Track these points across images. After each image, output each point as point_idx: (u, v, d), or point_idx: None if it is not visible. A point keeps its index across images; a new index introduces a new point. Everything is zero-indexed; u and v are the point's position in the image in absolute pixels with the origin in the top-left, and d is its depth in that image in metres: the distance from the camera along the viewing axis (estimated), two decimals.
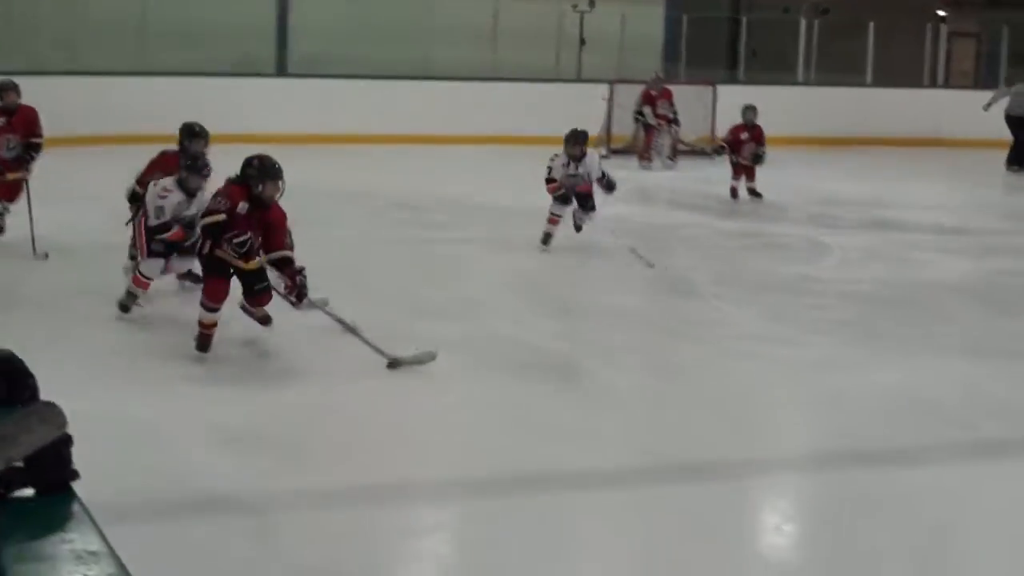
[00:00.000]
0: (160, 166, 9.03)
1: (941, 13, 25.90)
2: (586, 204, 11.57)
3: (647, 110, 19.14)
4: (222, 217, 7.48)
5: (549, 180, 11.52)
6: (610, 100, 20.04)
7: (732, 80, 23.26)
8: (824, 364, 8.23)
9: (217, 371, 7.41)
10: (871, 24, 23.44)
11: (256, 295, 7.79)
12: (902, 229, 13.72)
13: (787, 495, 6.29)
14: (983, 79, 26.16)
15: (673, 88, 19.59)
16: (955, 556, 5.44)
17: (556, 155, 11.55)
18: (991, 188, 17.75)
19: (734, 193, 15.28)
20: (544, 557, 5.20)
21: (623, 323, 9.23)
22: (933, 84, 24.87)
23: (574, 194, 11.51)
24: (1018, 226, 14.36)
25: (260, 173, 7.58)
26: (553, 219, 11.56)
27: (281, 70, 20.84)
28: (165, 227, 8.38)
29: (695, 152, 19.46)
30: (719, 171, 15.81)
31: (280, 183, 7.58)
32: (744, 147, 15.18)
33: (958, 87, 25.35)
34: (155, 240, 8.42)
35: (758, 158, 15.16)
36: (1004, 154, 19.70)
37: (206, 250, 7.64)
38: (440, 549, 5.38)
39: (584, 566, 5.24)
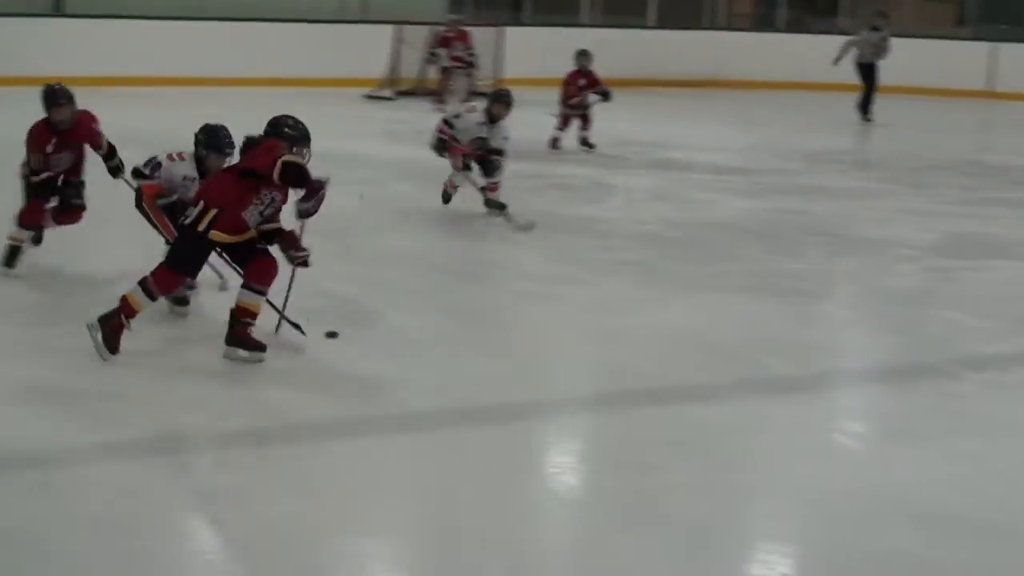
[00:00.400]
0: (33, 142, 8.06)
1: None
2: (490, 167, 10.67)
3: (442, 52, 19.00)
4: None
5: (448, 123, 10.75)
6: (396, 41, 19.90)
7: (517, 22, 23.32)
8: (611, 304, 8.31)
9: None
10: None
11: (266, 271, 6.83)
12: (686, 170, 13.95)
13: (579, 435, 6.33)
14: (761, 21, 26.73)
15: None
16: (748, 489, 5.53)
17: (473, 108, 10.89)
18: (772, 128, 18.12)
19: (555, 143, 14.90)
20: (337, 504, 5.16)
21: (411, 266, 9.18)
22: (713, 26, 25.28)
23: (478, 160, 10.70)
24: (798, 166, 14.66)
25: (301, 135, 6.87)
26: (452, 184, 10.89)
27: (58, 9, 20.16)
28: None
29: (486, 95, 19.44)
30: (517, 112, 15.73)
31: (308, 150, 6.90)
32: (581, 94, 14.89)
33: (737, 29, 25.80)
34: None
35: (607, 94, 14.83)
36: (786, 95, 20.14)
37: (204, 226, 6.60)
38: (230, 501, 5.27)
39: (378, 512, 5.19)
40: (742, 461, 5.83)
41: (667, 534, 4.99)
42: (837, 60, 19.19)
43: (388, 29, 20.00)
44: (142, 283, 6.66)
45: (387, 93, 19.60)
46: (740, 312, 8.19)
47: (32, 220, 8.22)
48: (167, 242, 7.29)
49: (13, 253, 8.26)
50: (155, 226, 7.50)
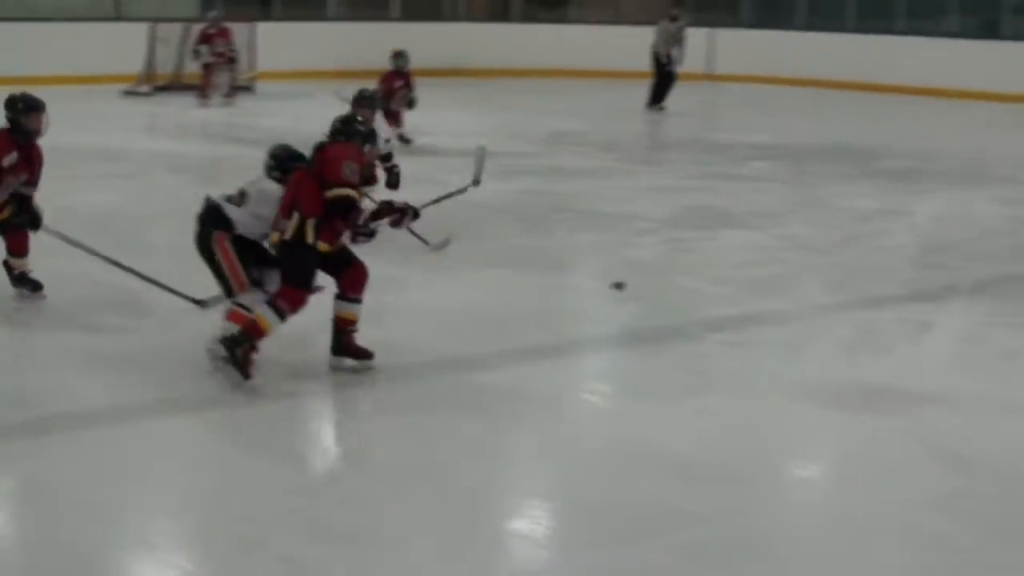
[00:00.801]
0: None
1: None
2: (393, 179, 9.62)
3: (203, 48, 18.70)
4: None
5: None
6: (151, 38, 19.55)
7: (268, 17, 23.09)
8: (377, 285, 8.25)
9: None
10: None
11: (357, 278, 6.46)
12: (438, 154, 14.03)
13: (355, 408, 6.36)
14: (497, 13, 27.07)
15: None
16: (512, 451, 5.70)
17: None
18: (513, 113, 18.38)
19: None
20: (116, 483, 5.12)
21: (177, 256, 9.00)
22: (453, 18, 25.43)
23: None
24: (540, 148, 14.92)
25: (369, 132, 6.52)
26: None
27: None
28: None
29: (246, 88, 19.30)
30: (276, 104, 15.61)
31: (372, 146, 6.51)
32: (398, 94, 14.58)
33: (476, 20, 26.02)
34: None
35: (412, 102, 14.59)
36: (523, 82, 20.35)
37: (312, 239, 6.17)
38: (14, 485, 5.20)
39: (160, 489, 5.16)
40: (507, 425, 5.95)
41: (440, 497, 5.08)
42: (669, 59, 19.30)
43: (143, 27, 19.61)
44: (272, 305, 6.21)
45: (144, 89, 19.25)
46: (498, 286, 8.33)
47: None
48: (227, 291, 6.55)
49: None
50: (219, 271, 6.55)
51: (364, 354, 6.51)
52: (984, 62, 22.68)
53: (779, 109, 20.45)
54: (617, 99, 19.56)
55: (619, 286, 7.81)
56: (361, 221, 6.41)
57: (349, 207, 6.18)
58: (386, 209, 6.68)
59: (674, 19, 19.61)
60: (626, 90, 19.64)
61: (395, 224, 6.74)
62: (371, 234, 6.56)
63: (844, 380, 6.68)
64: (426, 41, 22.39)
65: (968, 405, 6.34)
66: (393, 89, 14.62)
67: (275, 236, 6.31)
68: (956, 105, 21.52)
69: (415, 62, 21.36)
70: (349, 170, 6.19)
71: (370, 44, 21.92)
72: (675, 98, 19.88)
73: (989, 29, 24.64)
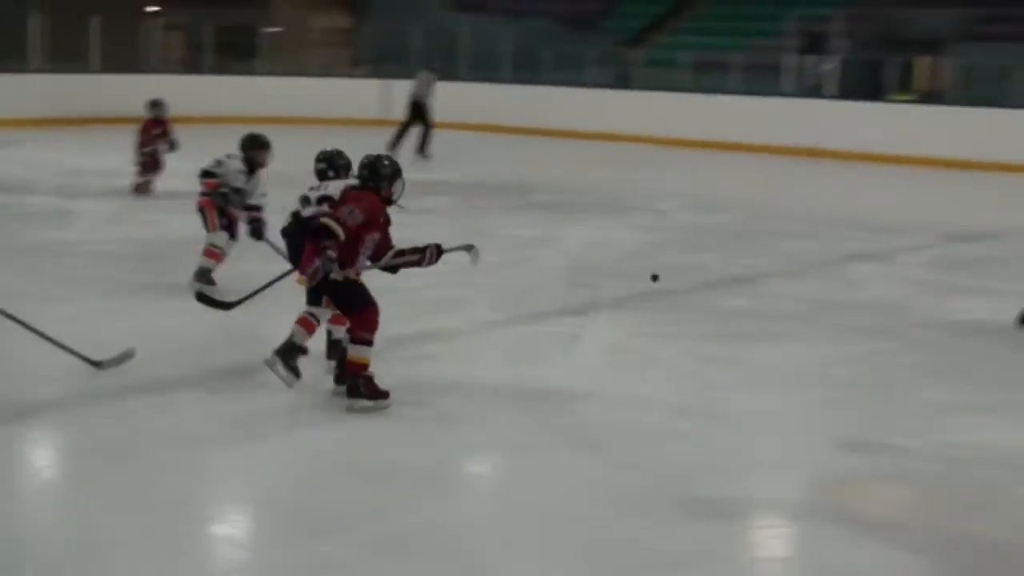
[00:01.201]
0: None
1: (153, 8, 26.09)
2: (256, 230, 8.98)
3: None
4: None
5: (210, 174, 9.03)
6: None
7: None
8: (86, 317, 8.08)
9: None
10: (94, 18, 23.25)
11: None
12: (132, 196, 13.76)
13: (76, 430, 6.07)
14: (190, 65, 26.74)
15: None
16: (217, 457, 5.60)
17: (232, 155, 9.11)
18: (208, 155, 17.98)
19: (144, 188, 13.75)
20: None
21: None
22: (149, 70, 24.92)
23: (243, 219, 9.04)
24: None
25: (394, 172, 6.33)
26: (213, 253, 9.04)
27: None
28: None
29: None
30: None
31: (401, 183, 6.39)
32: (157, 141, 13.84)
33: (171, 72, 25.58)
34: None
35: (174, 145, 13.85)
36: (213, 129, 19.96)
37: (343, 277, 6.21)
38: None
39: None
40: (208, 439, 5.88)
41: (146, 509, 4.98)
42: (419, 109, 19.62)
43: None
44: (355, 341, 6.27)
45: None
46: (193, 314, 8.16)
47: None
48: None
49: None
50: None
51: (381, 394, 6.43)
52: (619, 108, 23.81)
53: (450, 151, 20.79)
54: (301, 143, 19.43)
55: (655, 278, 8.35)
56: (383, 262, 6.56)
57: (325, 234, 6.07)
58: (404, 256, 6.65)
59: (433, 70, 20.10)
60: (310, 135, 19.55)
61: (414, 264, 6.71)
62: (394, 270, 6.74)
63: (510, 385, 6.88)
64: (123, 91, 21.87)
65: (613, 403, 6.63)
66: (152, 137, 13.99)
67: (302, 279, 6.46)
68: (597, 145, 22.47)
69: (111, 110, 20.88)
70: (348, 211, 6.17)
71: (72, 93, 21.40)
72: (352, 141, 19.86)
73: (622, 80, 25.87)
